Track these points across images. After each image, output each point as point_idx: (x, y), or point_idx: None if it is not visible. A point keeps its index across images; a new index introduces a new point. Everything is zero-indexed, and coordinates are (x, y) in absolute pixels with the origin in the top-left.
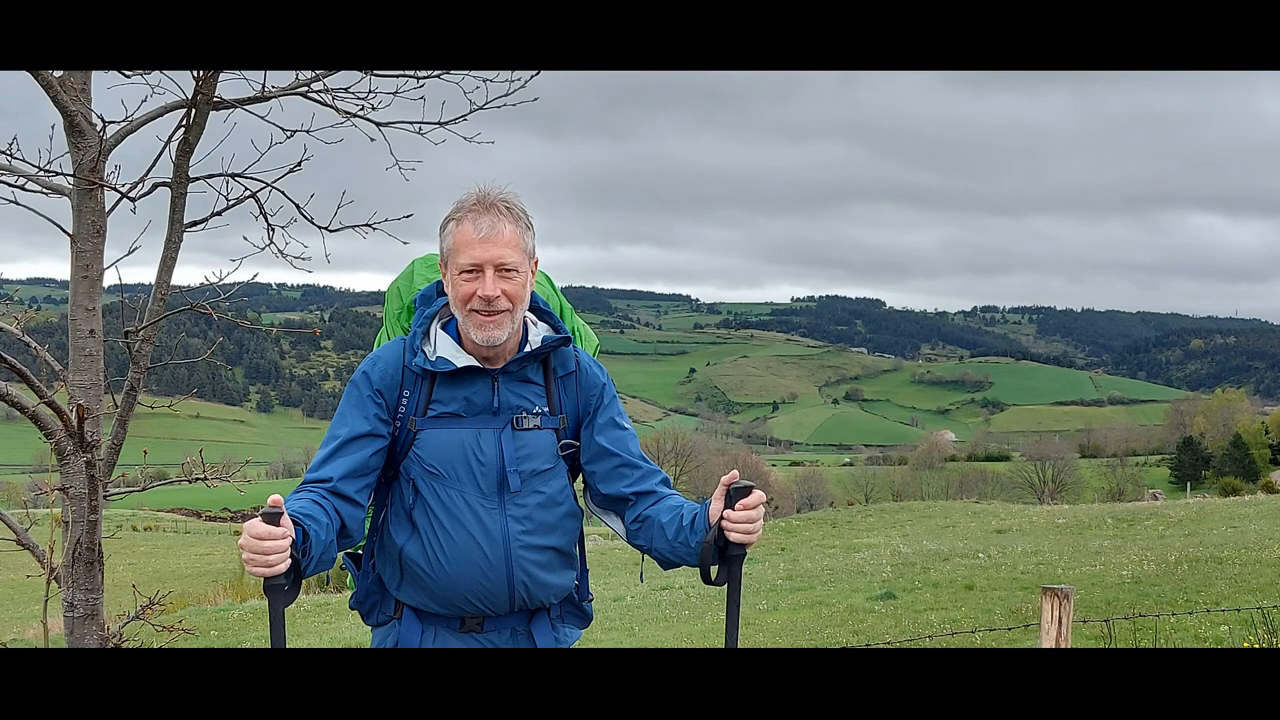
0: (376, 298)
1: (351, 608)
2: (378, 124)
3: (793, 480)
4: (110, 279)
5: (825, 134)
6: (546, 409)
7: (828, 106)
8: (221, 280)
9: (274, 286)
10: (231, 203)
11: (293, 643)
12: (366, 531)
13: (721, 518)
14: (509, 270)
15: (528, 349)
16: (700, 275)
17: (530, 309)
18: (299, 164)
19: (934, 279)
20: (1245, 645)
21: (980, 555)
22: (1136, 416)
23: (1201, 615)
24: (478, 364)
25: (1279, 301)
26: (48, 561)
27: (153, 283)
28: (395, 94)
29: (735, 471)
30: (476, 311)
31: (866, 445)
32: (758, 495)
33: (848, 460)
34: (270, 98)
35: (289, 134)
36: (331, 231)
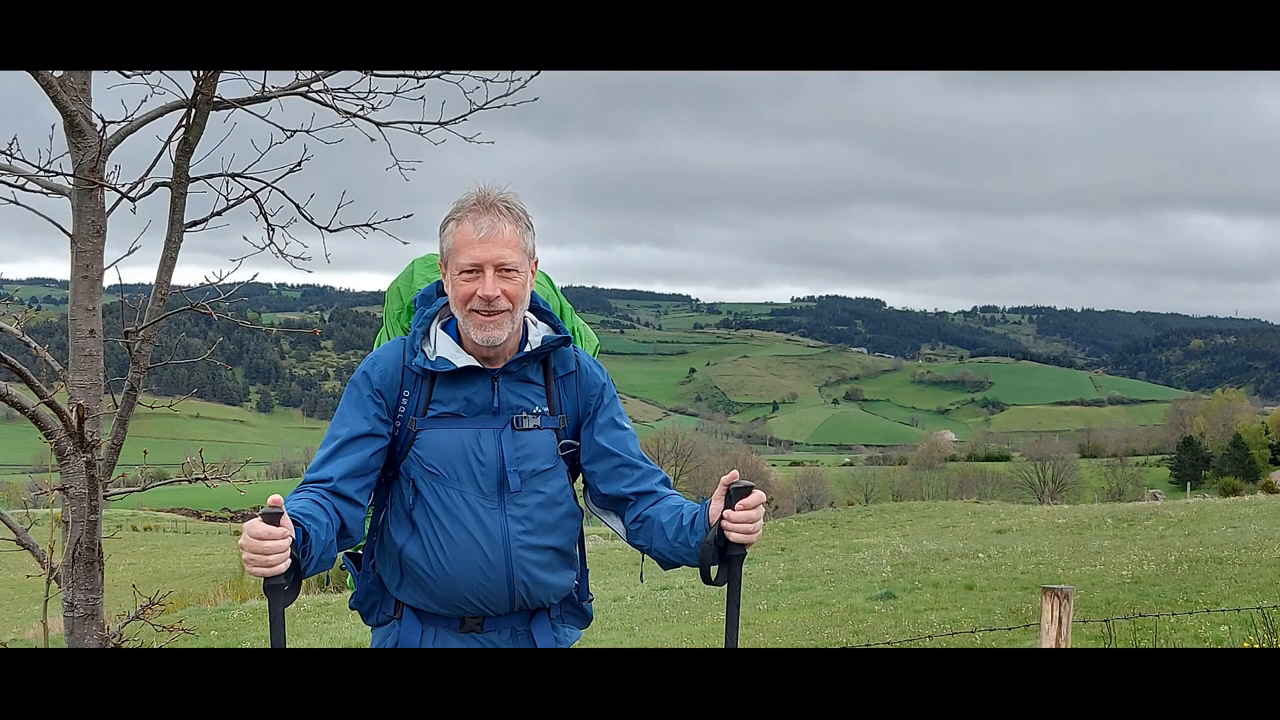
0: (376, 298)
1: (351, 608)
2: (378, 124)
3: (793, 480)
4: (110, 279)
5: (825, 134)
6: (546, 409)
7: (828, 106)
8: (221, 280)
9: (274, 286)
10: (231, 203)
11: (293, 643)
12: (366, 531)
13: (721, 518)
14: (509, 270)
15: (528, 349)
16: (700, 275)
17: (530, 309)
18: (299, 164)
19: (934, 279)
20: (1245, 645)
21: (980, 555)
22: (1136, 416)
23: (1201, 615)
24: (478, 364)
25: (1279, 301)
26: (48, 561)
27: (153, 283)
28: (395, 94)
29: (735, 471)
30: (476, 311)
31: (866, 445)
32: (758, 495)
33: (848, 460)
34: (270, 98)
35: (289, 134)
36: (331, 231)
